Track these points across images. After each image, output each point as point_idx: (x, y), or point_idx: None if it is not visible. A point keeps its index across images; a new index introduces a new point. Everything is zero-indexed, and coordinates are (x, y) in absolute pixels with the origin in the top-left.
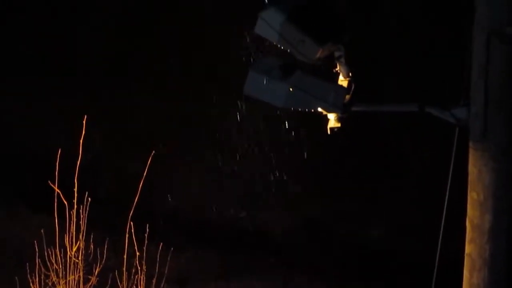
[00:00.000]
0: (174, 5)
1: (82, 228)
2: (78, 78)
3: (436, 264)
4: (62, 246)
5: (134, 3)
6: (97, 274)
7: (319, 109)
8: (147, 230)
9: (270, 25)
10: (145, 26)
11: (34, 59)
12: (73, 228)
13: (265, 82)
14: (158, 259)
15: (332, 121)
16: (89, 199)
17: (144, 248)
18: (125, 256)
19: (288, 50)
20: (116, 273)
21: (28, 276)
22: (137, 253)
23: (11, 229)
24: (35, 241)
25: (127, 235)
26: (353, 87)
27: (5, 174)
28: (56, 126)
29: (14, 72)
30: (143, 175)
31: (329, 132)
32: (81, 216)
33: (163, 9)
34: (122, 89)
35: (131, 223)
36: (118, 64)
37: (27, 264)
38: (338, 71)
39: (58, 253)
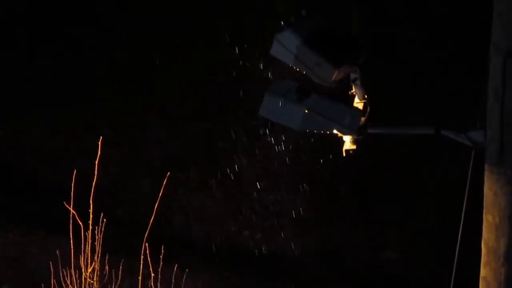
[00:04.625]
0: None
1: (97, 249)
2: (94, 101)
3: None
4: (78, 267)
5: (152, 38)
6: None
7: (335, 131)
8: (163, 251)
9: (286, 47)
10: (164, 53)
11: (52, 86)
12: (89, 249)
13: (280, 104)
14: (173, 281)
15: (348, 143)
16: (105, 220)
17: (159, 270)
18: (140, 278)
19: (304, 73)
20: None
21: None
22: (152, 275)
23: (27, 250)
24: (51, 262)
25: (142, 257)
26: (368, 110)
27: (20, 195)
28: (72, 148)
29: (30, 100)
30: (159, 196)
31: (344, 154)
32: (97, 237)
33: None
34: (140, 110)
35: (147, 244)
36: (137, 87)
37: (43, 284)
38: (354, 93)
39: (73, 274)
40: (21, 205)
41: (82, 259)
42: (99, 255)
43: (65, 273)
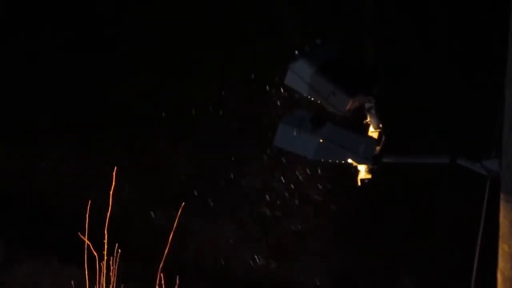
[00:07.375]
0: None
1: (112, 280)
2: (108, 129)
3: None
4: None
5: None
6: None
7: (350, 161)
8: (177, 282)
9: (300, 77)
10: (178, 78)
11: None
12: (103, 280)
13: (295, 134)
14: None
15: (363, 172)
16: (119, 251)
17: None
18: None
19: (319, 102)
20: None
21: None
22: None
23: (42, 281)
24: None
25: (157, 287)
26: (383, 139)
27: (35, 226)
28: (86, 178)
29: (43, 127)
30: (173, 227)
31: (359, 183)
32: (111, 268)
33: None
34: (153, 140)
35: (161, 275)
36: (149, 115)
37: None
38: (369, 122)
39: None
40: (35, 234)
41: None
42: (114, 286)
43: None
